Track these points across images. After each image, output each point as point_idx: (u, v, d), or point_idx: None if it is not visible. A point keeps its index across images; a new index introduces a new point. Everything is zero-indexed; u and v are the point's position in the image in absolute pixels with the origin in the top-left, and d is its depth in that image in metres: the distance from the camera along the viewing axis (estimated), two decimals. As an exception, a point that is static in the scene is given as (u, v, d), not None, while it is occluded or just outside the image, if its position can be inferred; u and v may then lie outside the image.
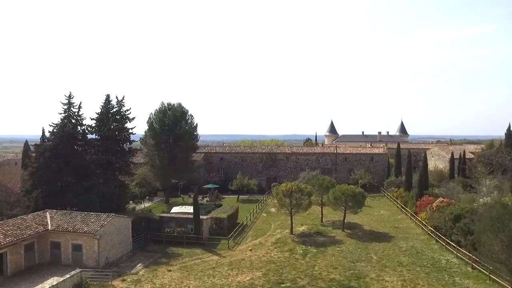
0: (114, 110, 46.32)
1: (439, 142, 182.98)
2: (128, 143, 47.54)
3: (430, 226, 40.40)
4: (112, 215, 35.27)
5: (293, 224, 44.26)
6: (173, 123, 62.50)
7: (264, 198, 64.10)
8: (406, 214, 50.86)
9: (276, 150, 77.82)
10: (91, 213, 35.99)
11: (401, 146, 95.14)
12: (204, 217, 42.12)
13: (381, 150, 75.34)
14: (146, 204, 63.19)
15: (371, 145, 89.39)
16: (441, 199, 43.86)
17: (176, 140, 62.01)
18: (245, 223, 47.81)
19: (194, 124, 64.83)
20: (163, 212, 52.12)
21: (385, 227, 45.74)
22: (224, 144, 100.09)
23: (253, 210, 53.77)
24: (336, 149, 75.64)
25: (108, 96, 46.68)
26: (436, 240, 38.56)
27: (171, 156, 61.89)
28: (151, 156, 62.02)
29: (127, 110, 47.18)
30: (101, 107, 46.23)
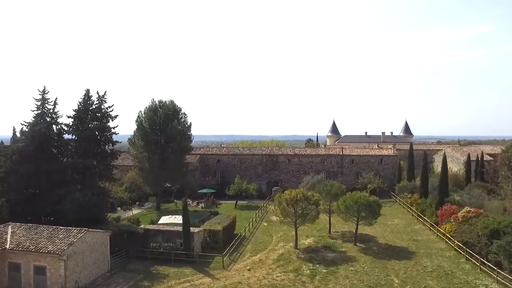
0: (94, 106, 40.75)
1: (440, 142, 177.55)
2: (110, 144, 41.98)
3: (458, 241, 34.80)
4: (85, 230, 29.69)
5: (298, 236, 38.73)
6: (164, 122, 57.12)
7: (265, 204, 58.54)
8: (424, 224, 45.29)
9: (277, 152, 72.29)
10: (61, 227, 30.44)
11: (405, 147, 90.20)
12: (196, 230, 36.53)
13: (390, 152, 69.83)
14: (135, 211, 57.68)
15: (378, 146, 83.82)
16: (467, 208, 38.35)
17: (168, 140, 56.59)
18: (243, 234, 42.27)
19: (188, 124, 59.46)
20: (152, 221, 46.71)
21: (402, 240, 40.19)
22: (222, 145, 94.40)
23: (252, 219, 48.22)
24: (342, 151, 70.12)
25: (87, 91, 41.17)
26: (467, 258, 32.97)
27: (162, 158, 56.48)
28: (140, 159, 56.54)
29: (110, 106, 41.71)
30: (79, 103, 40.67)
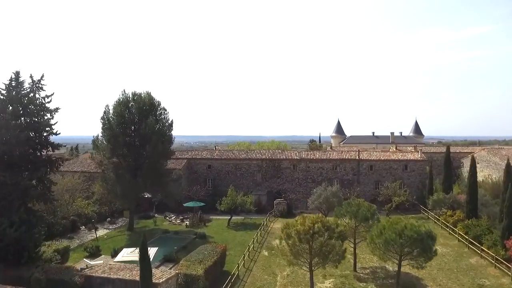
0: (24, 95, 28.65)
1: (440, 142, 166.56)
2: (49, 148, 30.01)
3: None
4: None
5: (313, 276, 26.78)
6: (139, 120, 45.28)
7: (265, 222, 46.76)
8: (482, 256, 33.39)
9: (280, 156, 60.29)
10: None
11: (427, 150, 78.48)
12: (163, 278, 24.45)
13: (417, 156, 57.96)
14: (102, 232, 45.95)
15: (396, 148, 71.73)
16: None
17: (143, 142, 44.70)
18: (236, 273, 30.38)
19: (169, 121, 47.44)
20: (115, 251, 34.94)
21: (462, 286, 28.25)
22: (216, 147, 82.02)
23: (249, 247, 36.35)
24: (358, 155, 58.14)
25: (16, 74, 29.10)
26: None
27: (136, 165, 44.68)
28: (107, 165, 44.63)
29: (48, 96, 29.62)
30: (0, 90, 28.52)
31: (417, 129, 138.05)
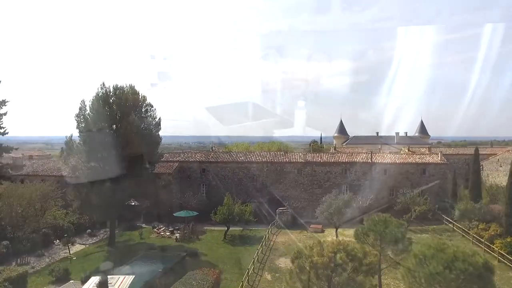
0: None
1: (440, 143, 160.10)
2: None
3: None
4: None
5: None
6: (121, 118, 39.07)
7: (267, 235, 40.67)
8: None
9: (283, 159, 54.02)
10: None
11: (444, 151, 72.25)
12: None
13: (436, 159, 51.78)
14: (79, 247, 39.96)
15: (409, 149, 65.59)
16: None
17: (125, 144, 38.49)
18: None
19: (156, 120, 41.18)
20: (86, 275, 28.74)
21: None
22: (213, 148, 75.57)
23: (248, 271, 30.17)
24: (371, 157, 51.93)
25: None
26: None
27: (117, 170, 38.41)
28: (82, 171, 38.30)
29: (-7, 85, 23.40)
30: None
31: (423, 129, 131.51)
